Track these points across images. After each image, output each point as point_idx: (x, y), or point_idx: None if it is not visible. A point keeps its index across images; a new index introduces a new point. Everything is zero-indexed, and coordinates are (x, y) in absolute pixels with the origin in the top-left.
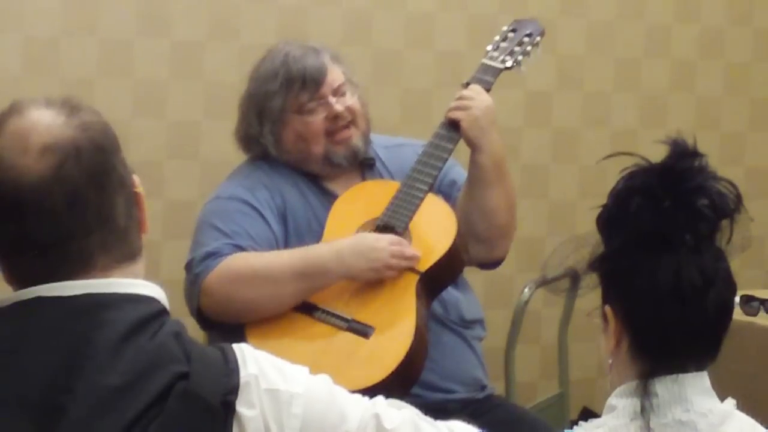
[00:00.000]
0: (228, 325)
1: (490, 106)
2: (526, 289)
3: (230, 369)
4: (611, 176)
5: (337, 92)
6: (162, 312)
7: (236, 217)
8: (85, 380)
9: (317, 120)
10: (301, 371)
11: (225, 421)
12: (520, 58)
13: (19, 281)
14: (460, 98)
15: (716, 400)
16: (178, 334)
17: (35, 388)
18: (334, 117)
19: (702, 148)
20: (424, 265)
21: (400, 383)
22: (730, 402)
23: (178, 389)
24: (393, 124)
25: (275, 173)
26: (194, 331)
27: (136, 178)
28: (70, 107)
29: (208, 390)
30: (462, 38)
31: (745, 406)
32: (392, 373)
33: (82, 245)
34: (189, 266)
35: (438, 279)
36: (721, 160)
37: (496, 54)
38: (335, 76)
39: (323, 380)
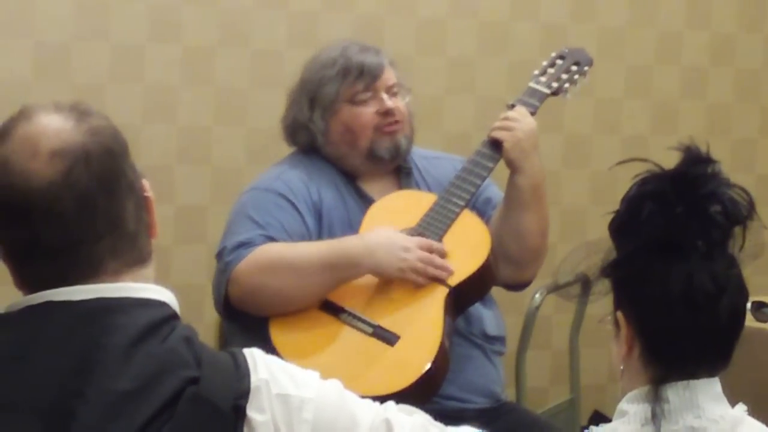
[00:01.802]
0: (252, 318)
1: (533, 129)
2: (537, 295)
3: (241, 374)
4: (622, 182)
5: (390, 91)
6: (172, 316)
7: (272, 210)
8: (96, 385)
9: (368, 112)
10: (311, 376)
11: (235, 425)
12: (566, 86)
13: (29, 286)
14: (505, 119)
15: (727, 406)
16: (189, 338)
17: (46, 392)
18: (385, 112)
19: (713, 154)
20: (455, 280)
21: (420, 394)
22: (741, 408)
23: (189, 394)
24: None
25: (315, 170)
26: (205, 335)
27: (145, 183)
28: (79, 112)
29: (218, 395)
30: (473, 45)
31: (756, 412)
32: (413, 384)
33: (91, 250)
34: (220, 255)
35: (467, 295)
36: (731, 167)
37: (543, 79)
38: (390, 76)
39: (334, 385)
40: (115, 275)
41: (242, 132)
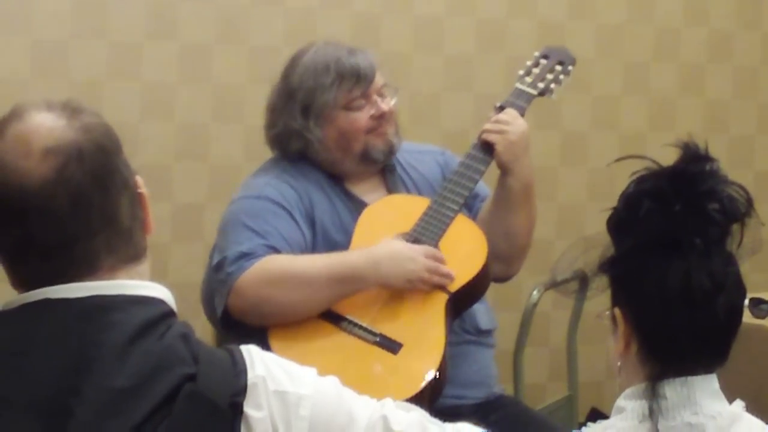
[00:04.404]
0: (251, 329)
1: (525, 131)
2: (535, 292)
3: (238, 370)
4: (620, 179)
5: (380, 93)
6: (169, 314)
7: (268, 218)
8: (93, 382)
9: (362, 117)
10: (308, 373)
11: (233, 422)
12: (552, 86)
13: (25, 285)
14: (496, 121)
15: (725, 402)
16: (186, 335)
17: (43, 390)
18: (380, 116)
19: (711, 151)
20: (454, 286)
21: (424, 401)
22: (739, 404)
23: (186, 391)
24: (401, 128)
25: (301, 175)
26: (203, 333)
27: (139, 179)
28: (71, 110)
29: (215, 391)
30: (470, 42)
31: (753, 409)
32: (419, 392)
33: (87, 247)
34: (220, 265)
35: (465, 299)
36: (730, 164)
37: (528, 79)
38: (380, 77)
39: (331, 382)
40: (110, 272)
41: (240, 129)
